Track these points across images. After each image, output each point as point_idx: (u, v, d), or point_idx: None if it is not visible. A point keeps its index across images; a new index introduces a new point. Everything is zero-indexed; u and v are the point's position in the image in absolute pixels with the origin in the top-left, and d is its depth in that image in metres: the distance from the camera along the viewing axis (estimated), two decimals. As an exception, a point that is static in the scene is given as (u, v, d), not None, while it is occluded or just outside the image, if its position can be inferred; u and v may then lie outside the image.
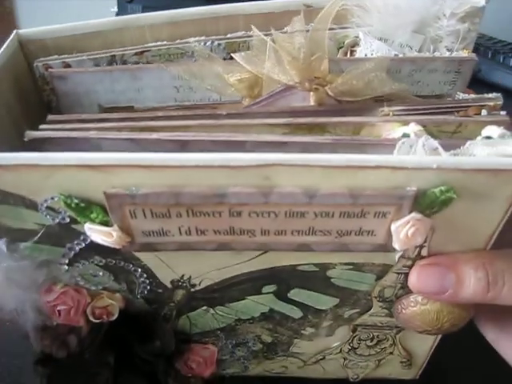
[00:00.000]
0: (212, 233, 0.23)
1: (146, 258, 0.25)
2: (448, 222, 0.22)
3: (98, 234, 0.22)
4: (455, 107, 0.25)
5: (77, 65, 0.30)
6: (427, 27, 0.30)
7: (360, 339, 0.33)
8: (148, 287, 0.27)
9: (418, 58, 0.29)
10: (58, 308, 0.27)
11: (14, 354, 0.35)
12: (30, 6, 0.98)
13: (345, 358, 0.35)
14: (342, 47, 0.31)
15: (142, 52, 0.30)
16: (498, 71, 0.55)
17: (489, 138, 0.22)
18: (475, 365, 0.36)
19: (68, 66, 0.30)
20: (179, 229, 0.23)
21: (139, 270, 0.26)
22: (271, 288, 0.28)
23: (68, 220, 0.23)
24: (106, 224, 0.22)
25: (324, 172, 0.20)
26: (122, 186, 0.21)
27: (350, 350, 0.34)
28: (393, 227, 0.22)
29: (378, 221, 0.22)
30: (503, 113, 0.25)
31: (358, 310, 0.29)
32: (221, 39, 0.30)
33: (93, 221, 0.22)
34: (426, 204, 0.21)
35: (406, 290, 0.27)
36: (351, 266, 0.26)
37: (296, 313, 0.30)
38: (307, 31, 0.27)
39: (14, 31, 0.29)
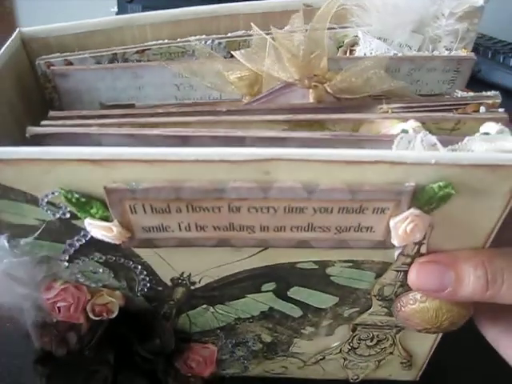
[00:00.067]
0: (211, 229, 0.23)
1: (145, 254, 0.25)
2: (447, 218, 0.22)
3: (98, 229, 0.22)
4: (454, 105, 0.25)
5: (79, 63, 0.30)
6: (426, 27, 0.30)
7: (360, 339, 0.33)
8: (148, 285, 0.28)
9: (416, 57, 0.29)
10: (58, 305, 0.27)
11: (14, 354, 0.35)
12: (29, 5, 0.99)
13: (345, 359, 0.35)
14: (341, 46, 0.31)
15: (143, 50, 0.30)
16: (497, 71, 0.55)
17: (487, 134, 0.22)
18: (475, 365, 0.36)
19: (70, 63, 0.30)
20: (179, 224, 0.23)
21: (139, 267, 0.26)
22: (271, 286, 0.28)
23: (68, 215, 0.23)
24: (106, 219, 0.22)
25: (323, 167, 0.20)
26: (122, 180, 0.21)
27: (349, 349, 0.34)
28: (391, 223, 0.22)
29: (376, 217, 0.22)
30: (501, 110, 0.25)
31: (357, 309, 0.29)
32: (221, 38, 0.31)
33: (93, 216, 0.22)
34: (424, 200, 0.21)
35: (405, 288, 0.27)
36: (350, 264, 0.26)
37: (296, 312, 0.30)
38: (306, 30, 0.27)
39: (17, 29, 0.30)
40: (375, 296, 0.28)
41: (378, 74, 0.26)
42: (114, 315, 0.28)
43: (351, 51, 0.31)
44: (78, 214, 0.22)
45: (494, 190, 0.21)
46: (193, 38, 0.30)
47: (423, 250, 0.24)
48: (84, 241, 0.24)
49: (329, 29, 0.29)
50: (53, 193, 0.22)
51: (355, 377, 0.37)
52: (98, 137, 0.24)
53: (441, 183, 0.20)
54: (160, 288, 0.28)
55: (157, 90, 0.30)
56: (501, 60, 0.57)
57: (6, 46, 0.28)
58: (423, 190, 0.21)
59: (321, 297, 0.28)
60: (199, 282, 0.27)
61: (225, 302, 0.29)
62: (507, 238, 0.24)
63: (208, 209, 0.22)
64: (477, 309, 0.27)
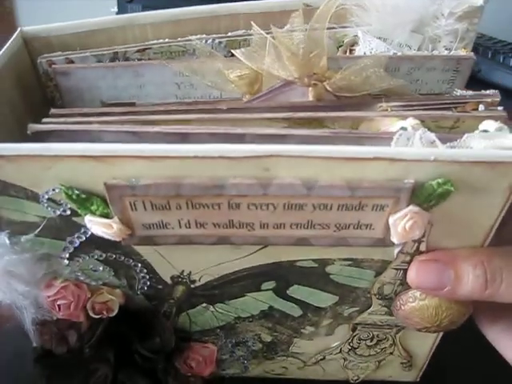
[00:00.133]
0: (211, 226, 0.23)
1: (145, 252, 0.26)
2: (446, 216, 0.22)
3: (98, 225, 0.22)
4: (453, 103, 0.26)
5: (80, 61, 0.30)
6: (426, 27, 0.30)
7: (360, 339, 0.33)
8: (148, 283, 0.28)
9: (416, 56, 0.29)
10: (58, 302, 0.27)
11: (13, 353, 0.35)
12: (29, 5, 0.99)
13: (345, 359, 0.35)
14: (341, 46, 0.31)
15: (144, 49, 0.31)
16: (497, 71, 0.55)
17: (486, 131, 0.22)
18: (475, 365, 0.36)
19: (71, 62, 0.30)
20: (179, 221, 0.23)
21: (139, 265, 0.26)
22: (270, 285, 0.28)
23: (69, 212, 0.23)
24: (106, 216, 0.22)
25: (323, 163, 0.20)
26: (122, 177, 0.21)
27: (349, 350, 0.34)
28: (391, 220, 0.22)
29: (376, 214, 0.22)
30: (500, 108, 0.25)
31: (357, 308, 0.29)
32: (222, 37, 0.31)
33: (93, 213, 0.22)
34: (423, 197, 0.21)
35: (404, 287, 0.27)
36: (350, 262, 0.26)
37: (295, 311, 0.30)
38: (306, 30, 0.27)
39: (19, 28, 0.30)
40: (375, 295, 0.28)
41: (377, 73, 0.26)
42: (114, 313, 0.28)
43: (351, 51, 0.31)
44: (79, 211, 0.22)
45: (493, 186, 0.21)
46: (193, 37, 0.30)
47: (422, 247, 0.24)
48: (84, 238, 0.24)
49: (328, 28, 0.29)
50: (53, 189, 0.22)
51: (355, 377, 0.36)
52: (98, 134, 0.24)
53: (440, 180, 0.20)
54: (160, 286, 0.28)
55: (157, 88, 0.30)
56: (501, 60, 0.57)
57: (7, 45, 0.29)
58: (422, 187, 0.21)
59: (320, 296, 0.28)
60: (199, 280, 0.27)
61: (225, 300, 0.29)
62: (506, 237, 0.24)
63: (208, 205, 0.22)
64: (477, 308, 0.27)
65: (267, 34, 0.28)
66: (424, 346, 0.33)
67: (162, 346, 0.30)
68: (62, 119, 0.25)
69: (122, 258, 0.26)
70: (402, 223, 0.21)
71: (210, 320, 0.31)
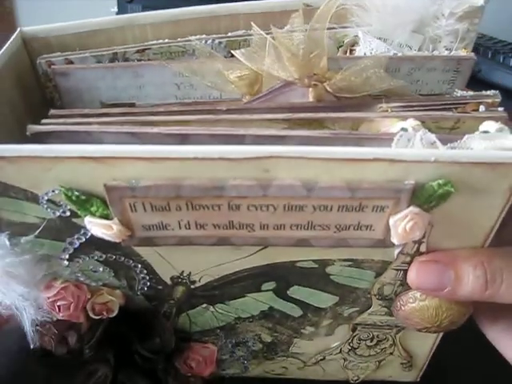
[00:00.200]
0: (211, 227, 0.23)
1: (145, 253, 0.25)
2: (446, 216, 0.22)
3: (98, 227, 0.22)
4: (453, 104, 0.26)
5: (79, 62, 0.30)
6: (426, 27, 0.30)
7: (360, 339, 0.33)
8: (148, 283, 0.28)
9: (416, 57, 0.29)
10: (58, 303, 0.27)
11: (14, 355, 0.35)
12: (30, 5, 0.99)
13: (345, 359, 0.35)
14: (341, 46, 0.31)
15: (143, 50, 0.30)
16: (497, 71, 0.55)
17: (486, 132, 0.22)
18: (475, 365, 0.36)
19: (70, 62, 0.30)
20: (179, 223, 0.23)
21: (139, 265, 0.26)
22: (270, 285, 0.28)
23: (69, 213, 0.23)
24: (106, 217, 0.22)
25: (323, 165, 0.20)
26: (122, 178, 0.21)
27: (349, 350, 0.34)
28: (391, 221, 0.22)
29: (376, 215, 0.22)
30: (501, 109, 0.25)
31: (357, 309, 0.29)
32: (221, 38, 0.31)
33: (93, 214, 0.22)
34: (424, 198, 0.21)
35: (405, 287, 0.27)
36: (350, 263, 0.26)
37: (296, 311, 0.30)
38: (306, 30, 0.27)
39: (18, 29, 0.30)
40: (375, 295, 0.28)
41: (377, 73, 0.26)
42: (114, 314, 0.28)
43: (351, 51, 0.31)
44: (78, 212, 0.22)
45: (494, 187, 0.21)
46: (193, 37, 0.30)
47: (423, 248, 0.24)
48: (84, 239, 0.24)
49: (329, 29, 0.29)
50: (53, 191, 0.22)
51: (355, 378, 0.36)
52: (98, 135, 0.24)
53: (440, 181, 0.20)
54: (160, 287, 0.28)
55: (157, 89, 0.30)
56: (501, 60, 0.57)
57: (6, 45, 0.29)
58: (423, 188, 0.21)
59: (321, 296, 0.28)
60: (199, 280, 0.27)
61: (225, 301, 0.29)
62: (507, 238, 0.24)
63: (208, 207, 0.22)
64: (477, 308, 0.27)
65: (267, 34, 0.28)
66: (424, 346, 0.33)
67: (162, 346, 0.30)
68: (61, 120, 0.25)
69: (122, 258, 0.26)
70: (403, 224, 0.21)
71: (210, 320, 0.31)
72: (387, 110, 0.25)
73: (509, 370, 0.27)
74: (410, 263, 0.25)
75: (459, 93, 0.29)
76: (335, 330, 0.31)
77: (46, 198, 0.22)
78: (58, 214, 0.23)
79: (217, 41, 0.31)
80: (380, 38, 0.30)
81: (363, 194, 0.21)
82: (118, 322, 0.29)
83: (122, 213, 0.22)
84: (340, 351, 0.34)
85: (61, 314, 0.27)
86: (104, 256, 0.26)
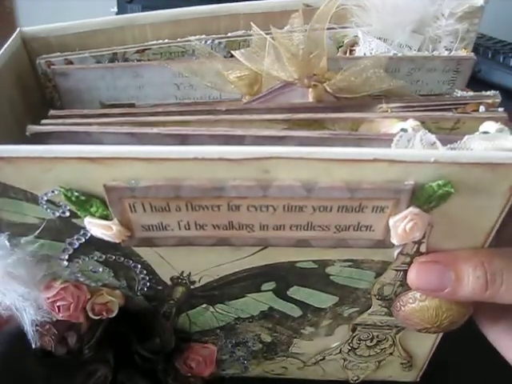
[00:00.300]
0: (211, 227, 0.23)
1: (145, 253, 0.25)
2: (446, 217, 0.22)
3: (97, 227, 0.22)
4: (453, 104, 0.25)
5: (79, 62, 0.30)
6: (426, 27, 0.30)
7: (360, 339, 0.33)
8: (148, 284, 0.28)
9: (416, 57, 0.29)
10: (58, 304, 0.27)
11: (14, 354, 0.35)
12: (29, 5, 0.99)
13: (345, 359, 0.35)
14: (341, 46, 0.31)
15: (143, 50, 0.30)
16: (497, 71, 0.55)
17: (486, 133, 0.22)
18: (476, 365, 0.36)
19: (70, 63, 0.30)
20: (178, 223, 0.23)
21: (139, 266, 0.26)
22: (270, 285, 0.28)
23: (68, 214, 0.23)
24: (105, 218, 0.22)
25: (322, 165, 0.20)
26: (122, 178, 0.21)
27: (349, 350, 0.34)
28: (391, 222, 0.22)
29: (376, 215, 0.22)
30: (501, 109, 0.25)
31: (357, 309, 0.29)
32: (221, 38, 0.31)
33: (93, 214, 0.22)
34: (423, 198, 0.21)
35: (404, 288, 0.27)
36: (350, 263, 0.26)
37: (295, 311, 0.30)
38: (306, 30, 0.27)
39: (18, 29, 0.30)
40: (375, 295, 0.28)
41: (377, 74, 0.26)
42: (114, 314, 0.28)
43: (351, 51, 0.31)
44: (78, 213, 0.22)
45: (494, 188, 0.21)
46: (193, 37, 0.30)
47: (423, 248, 0.24)
48: (84, 239, 0.24)
49: (329, 29, 0.29)
50: (53, 191, 0.22)
51: (355, 378, 0.37)
52: (98, 135, 0.24)
53: (440, 182, 0.20)
54: (160, 287, 0.28)
55: (157, 89, 0.30)
56: (501, 60, 0.57)
57: (6, 45, 0.29)
58: (422, 189, 0.21)
59: (320, 296, 0.28)
60: (199, 281, 0.27)
61: (225, 301, 0.29)
62: (507, 238, 0.24)
63: (207, 207, 0.22)
64: (477, 309, 0.27)
65: (267, 34, 0.28)
66: (424, 346, 0.33)
67: (162, 346, 0.30)
68: (60, 121, 0.25)
69: (122, 259, 0.26)
70: (402, 225, 0.21)
71: (210, 320, 0.31)
72: (387, 111, 0.25)
73: (509, 369, 0.27)
74: (409, 264, 0.25)
75: (459, 93, 0.29)
76: (335, 330, 0.32)
77: (45, 198, 0.22)
78: (57, 214, 0.23)
79: (216, 41, 0.31)
80: (380, 38, 0.30)
81: (363, 195, 0.21)
82: (118, 322, 0.29)
83: (121, 213, 0.22)
84: (340, 351, 0.34)
85: (60, 315, 0.27)
86: (104, 256, 0.26)
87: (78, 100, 0.30)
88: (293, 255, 0.25)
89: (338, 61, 0.29)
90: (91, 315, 0.28)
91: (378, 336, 0.32)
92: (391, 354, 0.34)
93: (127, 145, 0.20)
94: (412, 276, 0.25)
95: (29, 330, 0.27)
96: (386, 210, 0.21)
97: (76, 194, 0.21)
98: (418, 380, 0.36)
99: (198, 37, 0.30)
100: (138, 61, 0.31)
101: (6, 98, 0.28)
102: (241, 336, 0.33)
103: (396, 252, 0.24)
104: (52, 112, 0.26)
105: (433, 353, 0.33)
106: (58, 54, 0.30)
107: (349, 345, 0.33)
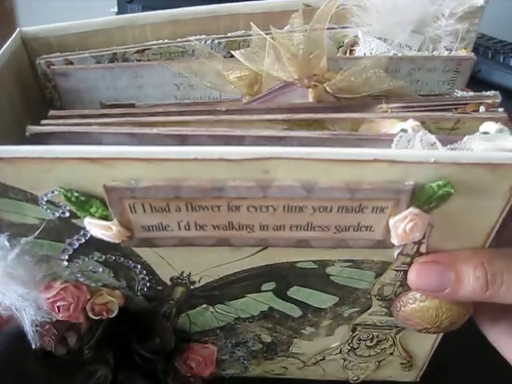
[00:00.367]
0: (211, 228, 0.23)
1: (145, 254, 0.25)
2: (446, 218, 0.22)
3: (97, 228, 0.22)
4: (453, 104, 0.25)
5: (79, 62, 0.30)
6: (426, 27, 0.30)
7: (360, 339, 0.33)
8: (148, 284, 0.28)
9: (416, 57, 0.29)
10: (58, 304, 0.27)
11: (14, 354, 0.35)
12: (29, 5, 0.99)
13: (345, 359, 0.35)
14: (341, 46, 0.31)
15: (143, 50, 0.30)
16: (497, 71, 0.55)
17: (486, 133, 0.22)
18: (476, 365, 0.36)
19: (70, 63, 0.30)
20: (178, 224, 0.23)
21: (139, 266, 0.26)
22: (270, 286, 0.28)
23: (68, 214, 0.23)
24: (105, 218, 0.22)
25: (322, 165, 0.20)
26: (122, 179, 0.21)
27: (349, 350, 0.34)
28: (391, 222, 0.22)
29: (376, 216, 0.22)
30: (501, 109, 0.25)
31: (357, 309, 0.29)
32: (221, 38, 0.31)
33: (92, 215, 0.22)
34: (423, 199, 0.21)
35: (405, 288, 0.27)
36: (350, 263, 0.26)
37: (295, 311, 0.30)
38: (306, 30, 0.27)
39: (18, 29, 0.30)
40: (375, 296, 0.28)
41: (377, 74, 0.26)
42: (114, 315, 0.28)
43: (351, 51, 0.31)
44: (78, 213, 0.22)
45: (494, 189, 0.21)
46: (193, 37, 0.30)
47: (423, 249, 0.24)
48: (84, 240, 0.24)
49: (329, 29, 0.29)
50: (52, 192, 0.22)
51: (355, 378, 0.37)
52: (98, 136, 0.24)
53: (440, 182, 0.20)
54: (160, 287, 0.28)
55: (157, 89, 0.30)
56: (501, 60, 0.57)
57: (6, 45, 0.29)
58: (422, 189, 0.21)
59: (320, 296, 0.28)
60: (199, 281, 0.27)
61: (224, 301, 0.29)
62: (507, 239, 0.24)
63: (207, 208, 0.22)
64: (478, 310, 0.27)
65: (267, 34, 0.28)
66: (424, 346, 0.33)
67: (162, 346, 0.30)
68: (60, 121, 0.25)
69: (122, 259, 0.26)
70: (402, 225, 0.21)
71: (210, 321, 0.31)
72: (387, 111, 0.25)
73: (509, 369, 0.27)
74: (409, 264, 0.25)
75: (459, 93, 0.29)
76: (335, 330, 0.32)
77: (45, 198, 0.22)
78: (57, 214, 0.23)
79: (216, 41, 0.31)
80: (380, 38, 0.30)
81: (363, 195, 0.21)
82: (118, 322, 0.29)
83: (121, 214, 0.22)
84: (340, 351, 0.34)
85: (60, 315, 0.27)
86: (103, 257, 0.26)
87: (78, 100, 0.30)
88: (293, 255, 0.25)
89: (337, 61, 0.29)
90: (91, 315, 0.28)
91: (378, 336, 0.32)
92: (391, 354, 0.34)
93: (127, 145, 0.20)
94: (412, 276, 0.25)
95: (29, 330, 0.27)
96: (386, 210, 0.21)
97: (76, 194, 0.21)
98: (418, 380, 0.36)
99: (197, 37, 0.30)
100: (138, 61, 0.31)
101: (5, 98, 0.28)
102: (241, 336, 0.33)
103: (396, 252, 0.24)
104: (52, 112, 0.26)
105: (433, 353, 0.33)
106: (58, 54, 0.30)
107: (349, 345, 0.33)
